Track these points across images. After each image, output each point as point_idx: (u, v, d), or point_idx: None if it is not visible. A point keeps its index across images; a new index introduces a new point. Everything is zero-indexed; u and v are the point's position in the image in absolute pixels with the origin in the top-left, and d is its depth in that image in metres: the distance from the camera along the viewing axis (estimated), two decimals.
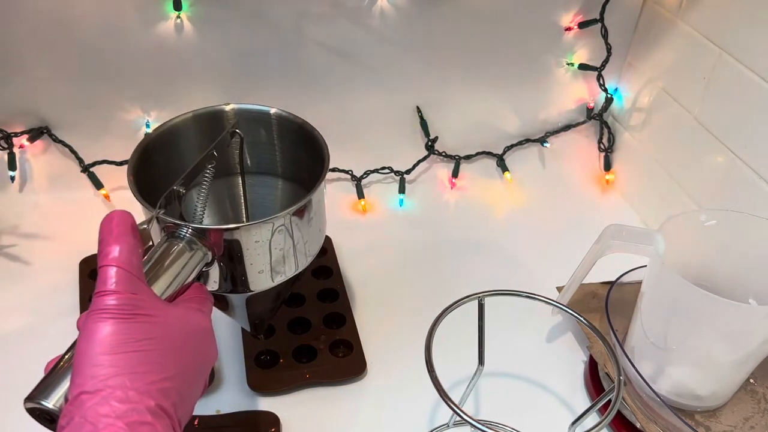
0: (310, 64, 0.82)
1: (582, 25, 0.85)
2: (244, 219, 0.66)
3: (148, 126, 0.83)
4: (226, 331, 0.69)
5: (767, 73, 0.67)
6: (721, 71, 0.73)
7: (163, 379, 0.38)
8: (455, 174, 0.92)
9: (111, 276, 0.40)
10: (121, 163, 0.83)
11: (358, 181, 0.89)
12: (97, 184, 0.83)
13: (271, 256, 0.51)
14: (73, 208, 0.83)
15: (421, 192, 0.91)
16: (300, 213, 0.52)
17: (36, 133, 0.80)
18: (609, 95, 0.90)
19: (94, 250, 0.76)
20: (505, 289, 0.58)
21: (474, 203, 0.90)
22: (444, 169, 0.93)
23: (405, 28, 0.81)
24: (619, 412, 0.61)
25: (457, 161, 0.92)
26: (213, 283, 0.51)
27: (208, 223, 0.61)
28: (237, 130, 0.59)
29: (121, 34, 0.76)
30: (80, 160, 0.82)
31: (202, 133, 0.59)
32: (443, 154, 0.92)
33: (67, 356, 0.40)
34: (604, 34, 0.85)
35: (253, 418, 0.61)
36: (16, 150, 0.80)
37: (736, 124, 0.72)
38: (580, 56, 0.89)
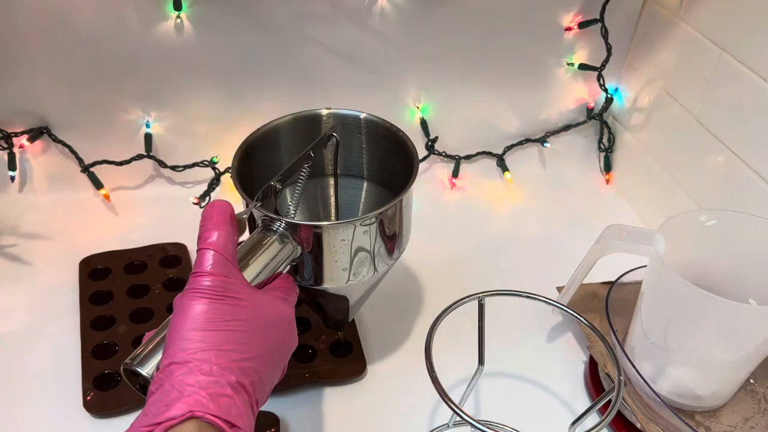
0: (310, 63, 0.82)
1: (582, 25, 0.85)
2: (333, 218, 0.68)
3: (148, 126, 0.83)
4: None
5: (767, 73, 0.67)
6: (721, 71, 0.73)
7: (244, 359, 0.41)
8: (455, 174, 0.92)
9: (208, 259, 0.43)
10: (120, 163, 0.83)
11: None
12: (97, 184, 0.83)
13: (354, 255, 0.54)
14: (73, 208, 0.83)
15: (421, 192, 0.91)
16: (388, 216, 0.54)
17: (36, 133, 0.80)
18: (609, 95, 0.90)
19: (94, 250, 0.77)
20: (505, 289, 0.58)
21: (474, 203, 0.90)
22: (444, 169, 0.93)
23: (405, 28, 0.81)
24: (619, 412, 0.61)
25: (457, 161, 0.92)
26: (299, 276, 0.54)
27: (299, 219, 0.62)
28: (334, 134, 0.62)
29: (122, 34, 0.76)
30: (80, 160, 0.82)
31: (298, 135, 0.62)
32: (443, 154, 0.92)
33: (160, 331, 0.44)
34: (604, 34, 0.85)
35: None
36: (16, 150, 0.80)
37: (736, 124, 0.72)
38: (580, 56, 0.89)
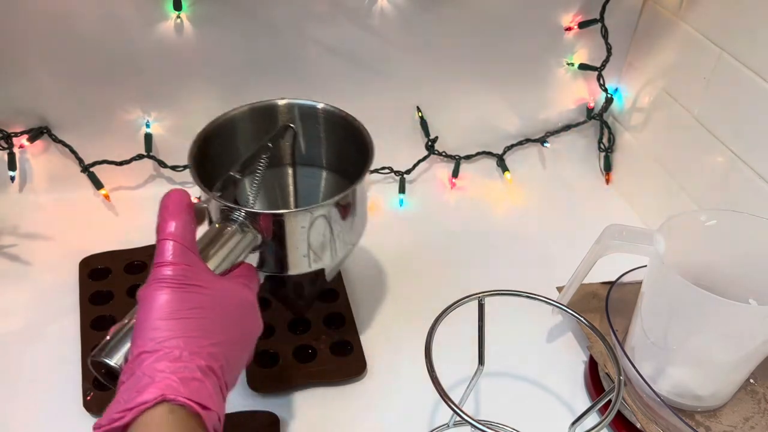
0: (310, 64, 0.82)
1: (582, 25, 0.85)
2: (293, 207, 0.69)
3: (148, 126, 0.83)
4: None
5: (767, 73, 0.67)
6: (721, 71, 0.73)
7: (211, 344, 0.42)
8: (455, 174, 0.92)
9: (168, 249, 0.44)
10: (121, 163, 0.83)
11: None
12: (97, 184, 0.83)
13: (312, 242, 0.55)
14: (73, 208, 0.83)
15: (421, 192, 0.91)
16: (344, 203, 0.56)
17: (36, 133, 0.80)
18: (609, 95, 0.90)
19: (94, 250, 0.77)
20: (505, 289, 0.58)
21: (474, 203, 0.90)
22: (444, 169, 0.93)
23: (405, 28, 0.81)
24: (619, 412, 0.61)
25: (457, 161, 0.92)
26: (261, 264, 0.56)
27: (259, 208, 0.63)
28: (291, 125, 0.63)
29: (122, 34, 0.76)
30: (80, 160, 0.82)
31: (256, 126, 0.63)
32: (443, 154, 0.92)
33: (127, 322, 0.45)
34: (604, 34, 0.85)
35: (253, 418, 0.61)
36: (16, 150, 0.80)
37: (736, 124, 0.72)
38: (580, 56, 0.89)
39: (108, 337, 0.44)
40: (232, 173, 0.55)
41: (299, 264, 0.56)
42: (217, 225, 0.52)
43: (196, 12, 0.76)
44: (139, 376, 0.39)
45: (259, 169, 0.59)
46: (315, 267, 0.57)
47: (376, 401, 0.64)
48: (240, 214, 0.52)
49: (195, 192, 0.54)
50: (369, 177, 0.90)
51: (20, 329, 0.68)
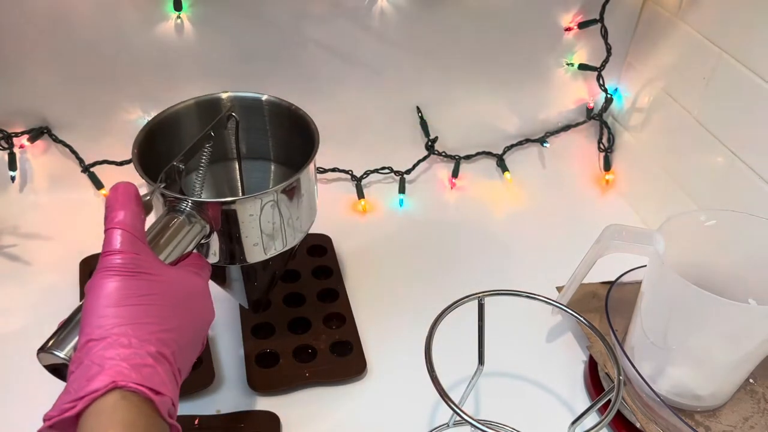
0: (310, 64, 0.82)
1: (582, 25, 0.85)
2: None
3: None
4: (227, 331, 0.69)
5: (767, 73, 0.67)
6: (721, 71, 0.73)
7: (162, 330, 0.42)
8: (455, 174, 0.92)
9: (116, 237, 0.43)
10: (121, 163, 0.83)
11: (358, 181, 0.89)
12: (98, 184, 0.83)
13: (263, 230, 0.55)
14: (73, 208, 0.83)
15: (421, 192, 0.91)
16: (291, 190, 0.56)
17: (36, 133, 0.80)
18: (609, 95, 0.90)
19: (94, 250, 0.77)
20: (505, 289, 0.58)
21: (474, 203, 0.90)
22: (444, 169, 0.93)
23: (405, 28, 0.81)
24: (618, 412, 0.61)
25: (457, 161, 0.92)
26: (212, 255, 0.56)
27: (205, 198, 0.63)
28: (233, 114, 0.63)
29: (122, 35, 0.76)
30: (80, 160, 0.82)
31: (201, 119, 0.62)
32: (443, 154, 0.92)
33: (75, 315, 0.44)
34: (604, 34, 0.85)
35: (253, 418, 0.61)
36: (16, 150, 0.80)
37: (736, 124, 0.72)
38: (580, 56, 0.89)
39: (55, 330, 0.44)
40: (174, 163, 0.54)
41: (252, 253, 0.56)
42: (164, 216, 0.52)
43: (196, 12, 0.76)
44: (88, 365, 0.39)
45: (204, 159, 0.59)
46: (268, 254, 0.57)
47: (376, 401, 0.64)
48: (187, 205, 0.52)
49: (144, 187, 0.54)
50: (368, 178, 0.90)
51: (20, 329, 0.68)
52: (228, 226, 0.54)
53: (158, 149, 0.59)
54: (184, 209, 0.52)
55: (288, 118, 0.63)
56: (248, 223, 0.54)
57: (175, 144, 0.60)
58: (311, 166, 0.58)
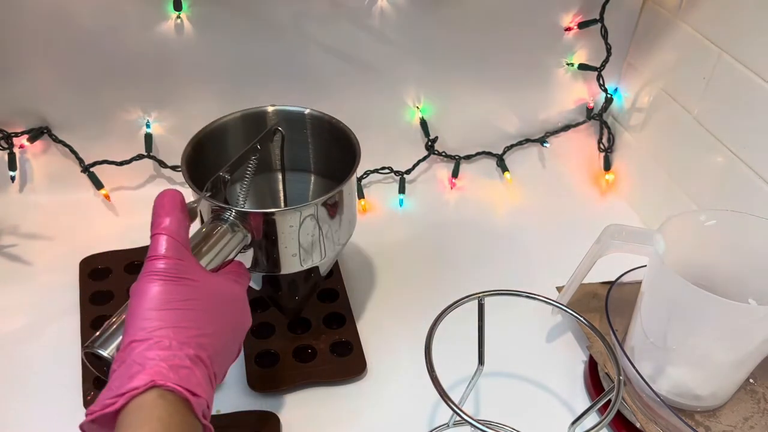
0: (310, 64, 0.82)
1: (582, 25, 0.85)
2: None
3: (148, 126, 0.83)
4: None
5: (767, 73, 0.67)
6: (721, 71, 0.73)
7: (201, 335, 0.44)
8: (455, 174, 0.92)
9: (162, 243, 0.45)
10: (121, 163, 0.83)
11: (358, 181, 0.89)
12: (98, 184, 0.83)
13: (302, 241, 0.57)
14: (73, 208, 0.83)
15: (421, 192, 0.91)
16: (331, 203, 0.58)
17: (36, 133, 0.80)
18: (609, 95, 0.90)
19: (94, 250, 0.77)
20: (505, 289, 0.58)
21: (474, 203, 0.90)
22: (444, 169, 0.93)
23: (405, 28, 0.81)
24: (618, 412, 0.61)
25: (457, 161, 0.92)
26: (252, 264, 0.57)
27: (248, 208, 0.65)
28: (279, 128, 0.65)
29: (122, 35, 0.76)
30: (80, 160, 0.82)
31: (247, 132, 0.64)
32: (443, 154, 0.92)
33: (120, 315, 0.46)
34: (604, 34, 0.85)
35: (253, 418, 0.61)
36: (16, 150, 0.80)
37: (736, 124, 0.72)
38: (580, 56, 0.89)
39: (101, 330, 0.45)
40: (221, 173, 0.56)
41: (289, 263, 0.58)
42: (208, 224, 0.53)
43: (196, 12, 0.76)
44: (130, 364, 0.40)
45: (249, 171, 0.61)
46: (305, 266, 0.59)
47: (376, 401, 0.64)
48: (230, 214, 0.54)
49: (190, 195, 0.55)
50: (368, 178, 0.90)
51: (20, 329, 0.68)
52: (268, 236, 0.55)
53: (205, 160, 0.61)
54: (228, 218, 0.54)
55: (329, 131, 0.65)
56: (288, 234, 0.55)
57: (221, 155, 0.63)
58: (352, 179, 0.59)
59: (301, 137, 0.67)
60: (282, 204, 0.71)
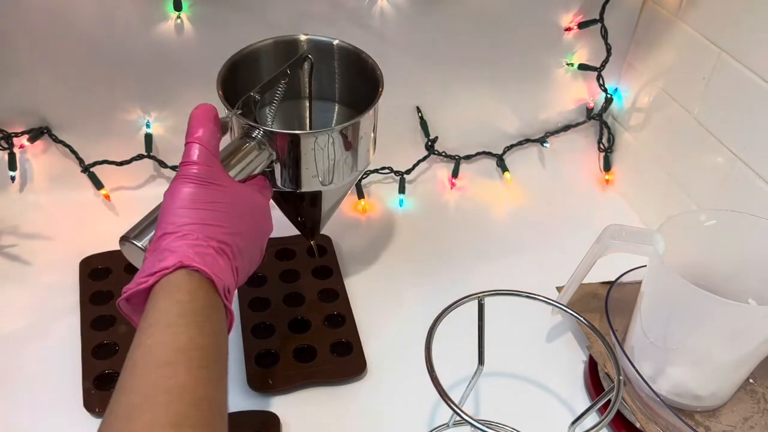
0: None
1: (582, 25, 0.85)
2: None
3: (148, 126, 0.83)
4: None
5: (767, 73, 0.67)
6: (721, 71, 0.73)
7: (225, 233, 0.48)
8: (455, 174, 0.92)
9: (195, 151, 0.50)
10: (121, 163, 0.83)
11: (358, 181, 0.89)
12: (98, 184, 0.83)
13: (322, 163, 0.60)
14: (73, 208, 0.83)
15: (421, 192, 0.91)
16: (351, 131, 0.61)
17: (36, 133, 0.80)
18: (609, 95, 0.90)
19: (94, 250, 0.77)
20: (505, 289, 0.58)
21: (474, 203, 0.90)
22: (444, 169, 0.93)
23: (405, 28, 0.81)
24: (618, 412, 0.61)
25: (457, 161, 0.92)
26: (274, 181, 0.61)
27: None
28: (309, 56, 0.68)
29: (122, 35, 0.76)
30: (80, 160, 0.82)
31: (278, 57, 0.67)
32: (443, 154, 0.92)
33: (152, 214, 0.51)
34: (604, 34, 0.85)
35: (253, 418, 0.61)
36: (16, 150, 0.80)
37: (736, 124, 0.72)
38: (580, 56, 0.89)
39: (136, 224, 0.51)
40: (252, 93, 0.61)
41: (310, 182, 0.61)
42: (237, 140, 0.57)
43: (196, 12, 0.76)
44: (161, 251, 0.45)
45: (278, 94, 0.65)
46: (324, 187, 0.62)
47: (376, 401, 0.64)
48: (259, 132, 0.57)
49: (222, 112, 0.58)
50: (368, 178, 0.90)
51: (20, 329, 0.68)
52: (291, 156, 0.59)
53: (238, 81, 0.64)
54: (256, 136, 0.57)
55: (356, 63, 0.68)
56: (309, 155, 0.59)
57: (252, 77, 0.66)
58: (372, 111, 0.62)
59: (329, 67, 0.69)
60: (307, 128, 0.73)
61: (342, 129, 0.60)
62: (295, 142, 0.58)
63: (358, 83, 0.68)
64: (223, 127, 0.54)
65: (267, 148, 0.58)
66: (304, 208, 0.67)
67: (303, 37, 0.68)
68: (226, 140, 0.57)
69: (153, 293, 0.44)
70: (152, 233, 0.49)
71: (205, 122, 0.51)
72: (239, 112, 0.59)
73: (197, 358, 0.41)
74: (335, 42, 0.68)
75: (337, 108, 0.72)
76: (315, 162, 0.60)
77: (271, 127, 0.63)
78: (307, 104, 0.72)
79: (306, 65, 0.68)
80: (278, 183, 0.61)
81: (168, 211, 0.48)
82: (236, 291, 0.64)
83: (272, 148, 0.58)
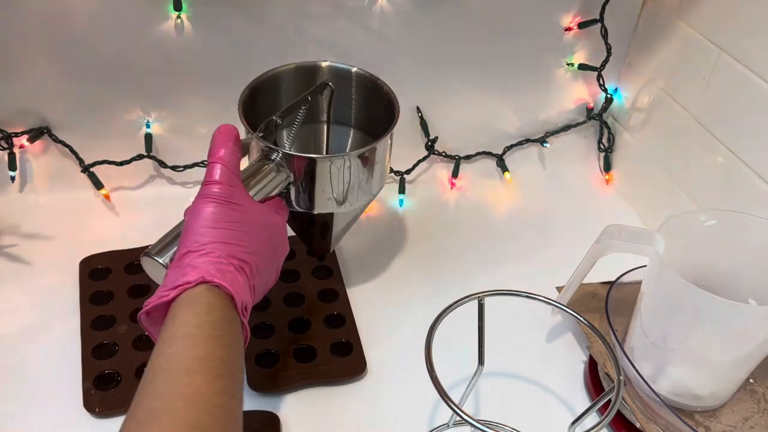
0: None
1: (582, 25, 0.85)
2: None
3: (148, 126, 0.83)
4: None
5: (767, 73, 0.67)
6: (721, 71, 0.73)
7: (244, 252, 0.50)
8: (455, 174, 0.92)
9: (216, 170, 0.51)
10: (121, 163, 0.83)
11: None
12: (98, 184, 0.83)
13: (337, 187, 0.62)
14: (73, 208, 0.83)
15: (421, 192, 0.91)
16: (366, 156, 0.63)
17: (36, 133, 0.80)
18: (609, 95, 0.90)
19: (94, 250, 0.77)
20: (505, 289, 0.58)
21: (474, 203, 0.90)
22: (444, 169, 0.93)
23: (405, 28, 0.81)
24: (619, 412, 0.61)
25: (457, 161, 0.92)
26: (290, 202, 0.63)
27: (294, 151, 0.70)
28: (329, 84, 0.70)
29: (122, 35, 0.76)
30: (80, 160, 0.82)
31: (298, 82, 0.70)
32: (443, 154, 0.92)
33: (174, 231, 0.53)
34: (604, 35, 0.85)
35: (253, 418, 0.61)
36: (16, 150, 0.80)
37: (736, 124, 0.72)
38: (580, 56, 0.89)
39: (158, 240, 0.52)
40: (274, 117, 0.63)
41: (324, 204, 0.63)
42: (257, 162, 0.59)
43: (196, 12, 0.76)
44: (184, 266, 0.47)
45: (298, 119, 0.67)
46: (338, 209, 0.65)
47: (376, 401, 0.64)
48: (278, 155, 0.60)
49: (242, 134, 0.59)
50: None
51: (20, 329, 0.68)
52: (308, 179, 0.61)
53: (258, 104, 0.67)
54: (275, 158, 0.59)
55: (373, 90, 0.70)
56: (325, 178, 0.61)
57: (272, 100, 0.69)
58: (387, 138, 0.64)
59: (347, 93, 0.72)
60: (324, 152, 0.75)
61: (359, 154, 0.62)
62: (312, 165, 0.60)
63: (373, 109, 0.71)
64: (244, 148, 0.56)
65: (285, 170, 0.60)
66: (316, 229, 0.68)
67: (324, 65, 0.71)
68: (243, 161, 0.58)
69: (174, 306, 0.46)
70: (173, 250, 0.51)
71: (227, 142, 0.53)
72: (260, 134, 0.61)
73: (215, 367, 0.43)
74: (354, 69, 0.71)
75: (352, 133, 0.75)
76: (331, 185, 0.62)
77: (290, 151, 0.65)
78: (325, 128, 0.74)
79: (326, 92, 0.71)
80: (293, 204, 0.63)
81: (191, 230, 0.49)
82: None
83: (290, 170, 0.60)
